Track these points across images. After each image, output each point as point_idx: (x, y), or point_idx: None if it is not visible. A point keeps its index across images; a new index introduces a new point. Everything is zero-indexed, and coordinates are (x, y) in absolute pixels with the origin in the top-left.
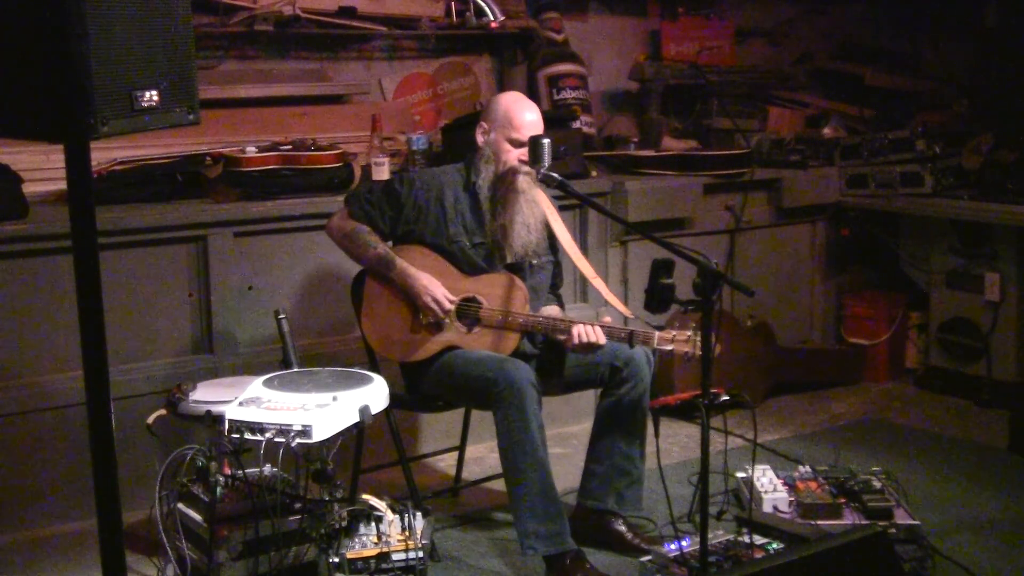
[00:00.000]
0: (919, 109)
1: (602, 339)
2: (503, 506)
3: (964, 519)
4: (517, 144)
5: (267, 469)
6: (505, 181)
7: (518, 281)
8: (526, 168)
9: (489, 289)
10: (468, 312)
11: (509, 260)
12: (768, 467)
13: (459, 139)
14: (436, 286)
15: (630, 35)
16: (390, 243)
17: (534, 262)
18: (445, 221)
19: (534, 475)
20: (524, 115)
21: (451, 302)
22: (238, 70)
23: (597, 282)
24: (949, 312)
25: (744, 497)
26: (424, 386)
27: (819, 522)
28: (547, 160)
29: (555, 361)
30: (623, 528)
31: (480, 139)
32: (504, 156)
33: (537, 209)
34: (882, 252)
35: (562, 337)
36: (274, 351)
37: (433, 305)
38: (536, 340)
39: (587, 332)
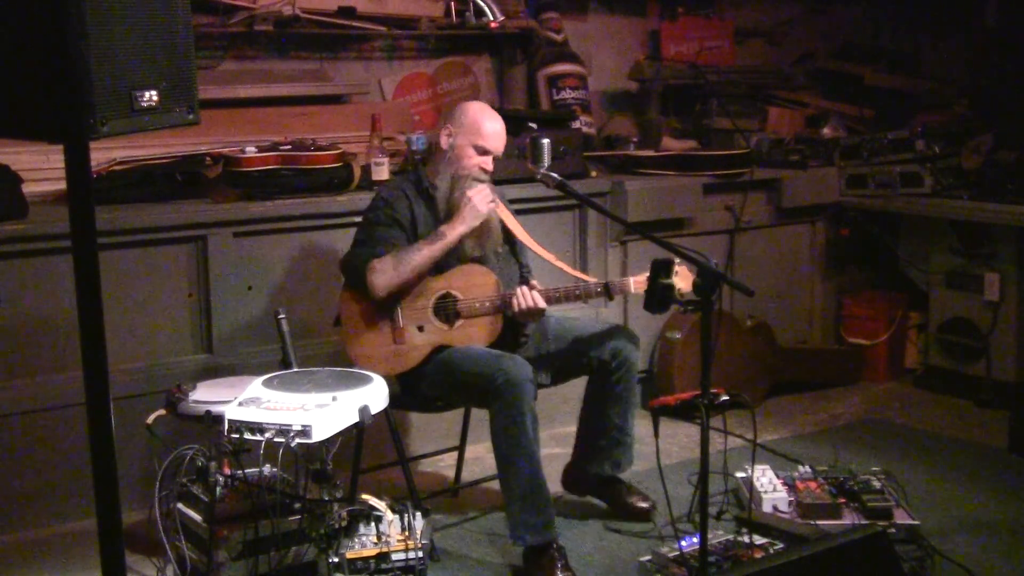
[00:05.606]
0: (919, 109)
1: (541, 303)
2: (503, 506)
3: (964, 519)
4: (482, 151)
5: (267, 469)
6: (461, 184)
7: (482, 268)
8: (484, 177)
9: (459, 281)
10: (446, 308)
11: (477, 254)
12: (768, 467)
13: None
14: (470, 208)
15: (630, 35)
16: None
17: (499, 250)
18: (417, 226)
19: (525, 466)
20: (493, 124)
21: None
22: (238, 70)
23: (559, 263)
24: (949, 312)
25: (744, 497)
26: (422, 389)
27: (819, 522)
28: (547, 160)
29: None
30: (633, 499)
31: (444, 141)
32: (465, 160)
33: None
34: (882, 252)
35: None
36: (274, 351)
37: (479, 206)
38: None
39: (525, 297)
